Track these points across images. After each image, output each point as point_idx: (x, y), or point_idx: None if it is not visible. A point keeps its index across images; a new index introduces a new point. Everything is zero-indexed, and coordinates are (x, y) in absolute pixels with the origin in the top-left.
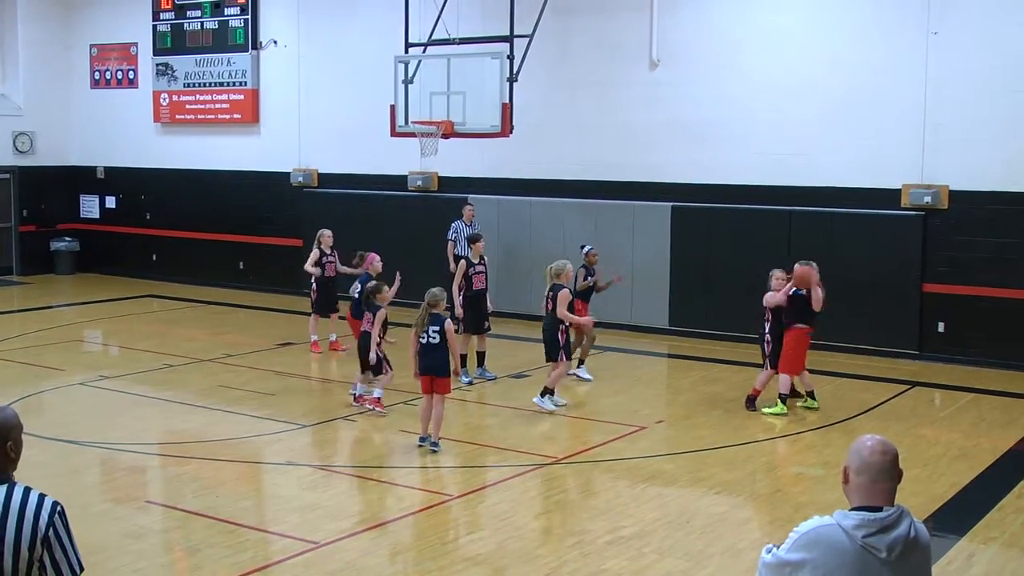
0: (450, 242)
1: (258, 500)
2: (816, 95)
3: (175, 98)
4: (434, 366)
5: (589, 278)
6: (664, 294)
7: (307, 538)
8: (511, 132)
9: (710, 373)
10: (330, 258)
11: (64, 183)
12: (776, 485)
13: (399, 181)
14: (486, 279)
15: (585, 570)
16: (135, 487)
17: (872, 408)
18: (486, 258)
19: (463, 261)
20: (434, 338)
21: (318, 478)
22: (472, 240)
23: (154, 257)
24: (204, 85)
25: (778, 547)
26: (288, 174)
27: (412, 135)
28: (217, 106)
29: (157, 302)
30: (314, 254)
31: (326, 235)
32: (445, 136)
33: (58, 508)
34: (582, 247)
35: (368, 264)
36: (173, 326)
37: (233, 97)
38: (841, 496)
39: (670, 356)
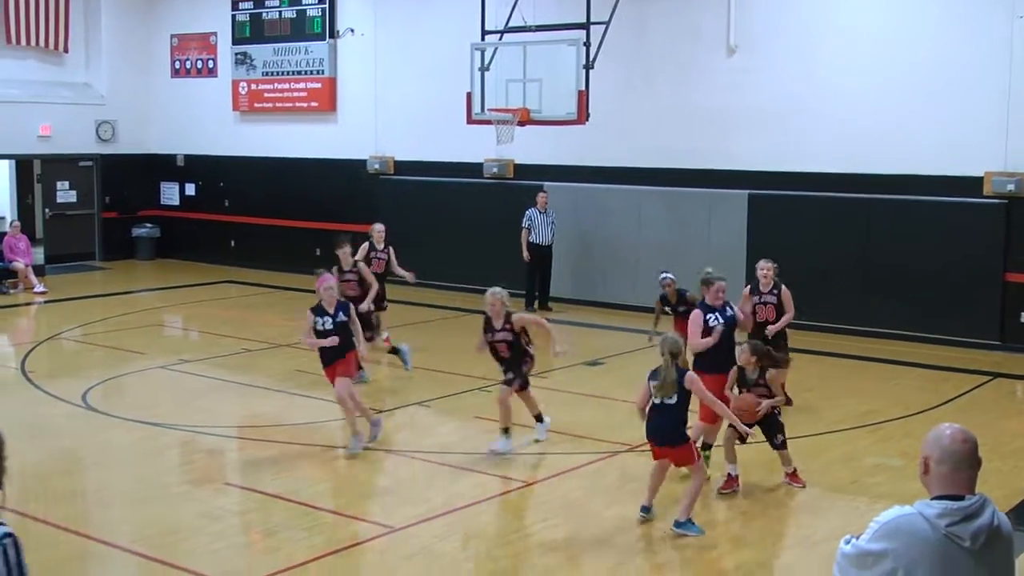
0: (524, 229)
1: (334, 484)
2: (897, 81)
3: (253, 87)
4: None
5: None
6: (740, 283)
7: (383, 522)
8: (587, 119)
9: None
10: (380, 254)
11: (145, 171)
12: (853, 476)
13: (475, 168)
14: None
15: (658, 558)
16: (214, 469)
17: (952, 399)
18: None
19: None
20: (671, 399)
21: (393, 462)
22: None
23: (232, 243)
24: (282, 74)
25: (858, 537)
26: (365, 161)
27: (488, 123)
28: (295, 94)
29: (235, 288)
30: (363, 248)
31: (377, 230)
32: (521, 124)
33: (8, 540)
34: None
35: (320, 286)
36: (251, 311)
37: (311, 85)
38: (920, 488)
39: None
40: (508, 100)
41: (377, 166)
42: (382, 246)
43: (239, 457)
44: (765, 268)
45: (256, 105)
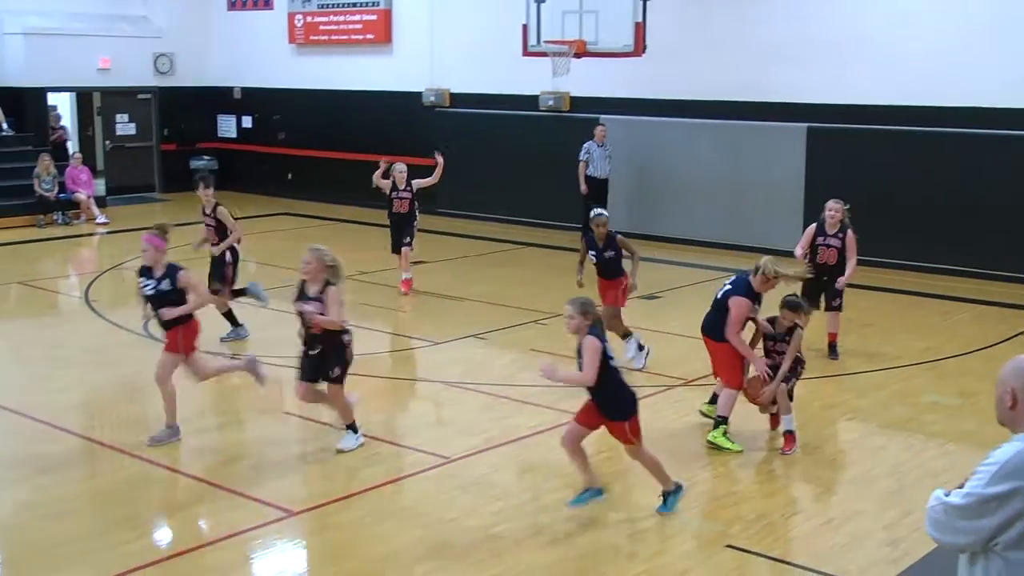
0: (582, 162)
1: (391, 415)
2: (961, 9)
3: (309, 19)
4: None
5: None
6: (798, 218)
7: (439, 452)
8: (644, 51)
9: (843, 299)
10: (403, 193)
11: (202, 103)
12: (910, 413)
13: (531, 101)
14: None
15: (715, 491)
16: (274, 398)
17: (1013, 337)
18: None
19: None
20: None
21: (450, 394)
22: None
23: (289, 176)
24: (337, 6)
25: (961, 487)
26: (420, 94)
27: (544, 55)
28: (350, 27)
29: (291, 219)
30: (386, 185)
31: (399, 169)
32: (577, 56)
33: None
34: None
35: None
36: (306, 243)
37: (366, 17)
38: (977, 426)
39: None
40: (564, 32)
41: (432, 98)
42: (404, 185)
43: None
44: (834, 209)
45: (312, 37)
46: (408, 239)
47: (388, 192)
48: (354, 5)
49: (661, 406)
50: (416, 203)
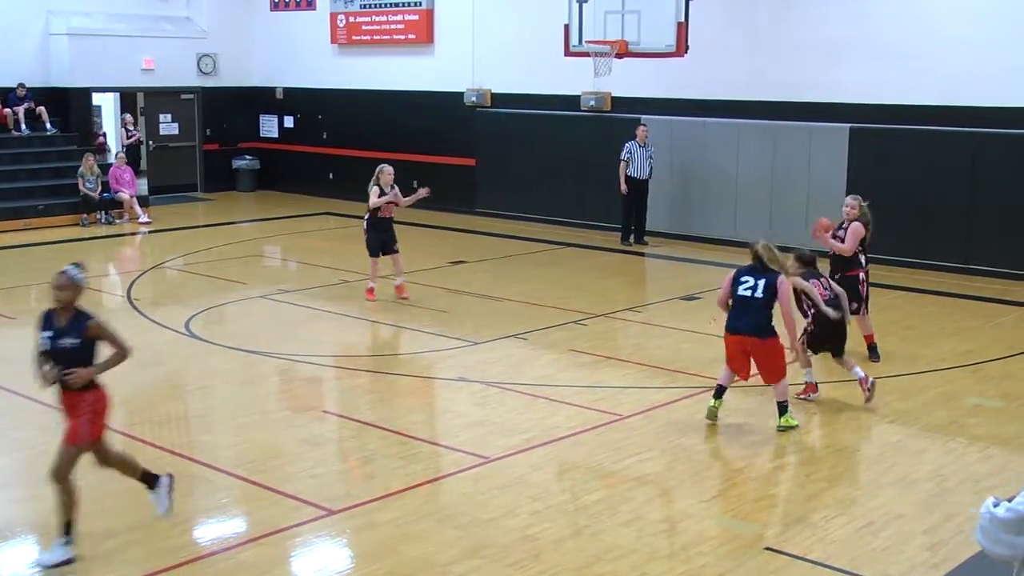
0: (623, 162)
1: (430, 414)
2: (1006, 9)
3: (351, 19)
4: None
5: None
6: (840, 219)
7: (478, 452)
8: (686, 52)
9: (884, 299)
10: (389, 196)
11: (245, 103)
12: (952, 416)
13: (572, 101)
14: None
15: (753, 494)
16: (312, 397)
17: None
18: None
19: None
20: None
21: (489, 394)
22: None
23: (331, 176)
24: (380, 6)
25: (1011, 500)
26: (462, 94)
27: (586, 55)
28: (392, 27)
29: (333, 219)
30: (375, 190)
31: (386, 171)
32: (619, 56)
33: None
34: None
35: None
36: (349, 243)
37: (408, 17)
38: (1021, 429)
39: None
40: (606, 32)
41: (474, 98)
42: (391, 189)
43: (336, 385)
44: (848, 205)
45: (354, 38)
46: (396, 245)
47: (380, 195)
48: (396, 5)
49: (700, 407)
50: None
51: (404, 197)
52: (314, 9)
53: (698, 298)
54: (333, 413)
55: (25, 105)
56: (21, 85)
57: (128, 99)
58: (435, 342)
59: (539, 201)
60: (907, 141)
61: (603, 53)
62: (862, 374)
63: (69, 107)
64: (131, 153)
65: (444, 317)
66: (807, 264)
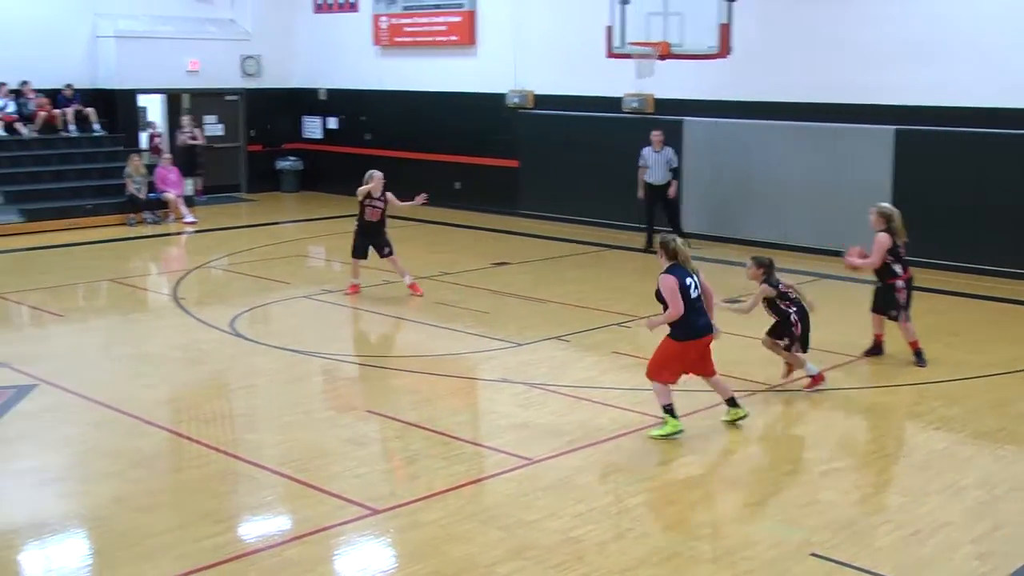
0: (640, 168)
1: (473, 415)
2: None
3: (394, 21)
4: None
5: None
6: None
7: (521, 454)
8: (729, 53)
9: (931, 304)
10: (377, 202)
11: (288, 104)
12: (1000, 423)
13: (614, 103)
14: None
15: (798, 500)
16: (356, 396)
17: None
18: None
19: None
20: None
21: (532, 396)
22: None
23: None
24: (422, 8)
25: None
26: (504, 95)
27: (628, 56)
28: (434, 28)
29: None
30: (363, 189)
31: (377, 177)
32: (662, 57)
33: None
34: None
35: None
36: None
37: (450, 19)
38: None
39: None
40: (649, 34)
41: (516, 100)
42: (379, 194)
43: (379, 386)
44: (870, 215)
45: (396, 39)
46: (388, 247)
47: (362, 199)
48: (438, 7)
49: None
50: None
51: (402, 202)
52: (357, 11)
53: (740, 301)
54: (377, 413)
55: (73, 106)
56: (69, 86)
57: (173, 100)
58: (478, 343)
59: (582, 203)
60: (954, 143)
61: (645, 55)
62: (811, 368)
63: (116, 108)
64: (188, 155)
65: (487, 318)
66: (765, 268)
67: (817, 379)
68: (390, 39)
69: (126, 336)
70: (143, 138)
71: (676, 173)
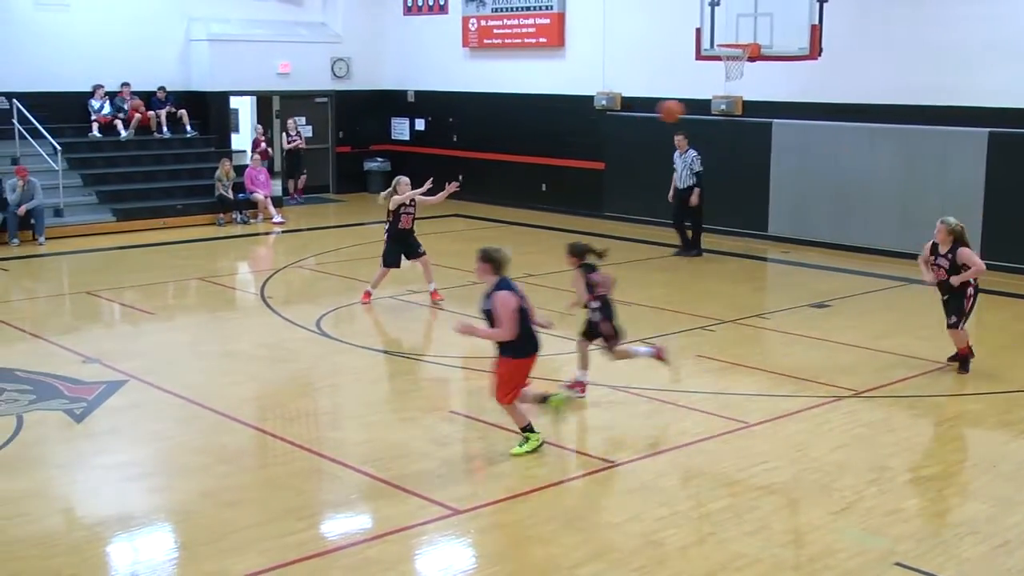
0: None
1: (556, 417)
2: None
3: (483, 23)
4: None
5: None
6: (976, 227)
7: (603, 456)
8: (820, 55)
9: (1020, 310)
10: (410, 208)
11: (377, 106)
12: None
13: (703, 105)
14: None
15: (883, 507)
16: (440, 397)
17: None
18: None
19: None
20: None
21: (615, 398)
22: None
23: (460, 178)
24: (511, 10)
25: None
26: (592, 97)
27: (717, 58)
28: (523, 30)
29: (462, 221)
30: (393, 201)
31: (403, 183)
32: (751, 59)
33: None
34: None
35: None
36: (477, 244)
37: (539, 21)
38: None
39: (980, 292)
40: (738, 35)
41: (604, 102)
42: (410, 202)
43: (463, 386)
44: (937, 229)
45: (485, 41)
46: (421, 247)
47: (395, 207)
48: (527, 9)
49: (829, 417)
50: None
51: (431, 196)
52: (446, 13)
53: (828, 306)
54: (460, 413)
55: (166, 108)
56: (162, 89)
57: (264, 103)
58: (561, 345)
59: (668, 206)
60: None
61: (735, 56)
62: (645, 351)
63: (208, 110)
64: (292, 158)
65: (571, 320)
66: (580, 255)
67: (579, 385)
68: (479, 41)
69: (214, 334)
70: (235, 140)
71: (699, 178)
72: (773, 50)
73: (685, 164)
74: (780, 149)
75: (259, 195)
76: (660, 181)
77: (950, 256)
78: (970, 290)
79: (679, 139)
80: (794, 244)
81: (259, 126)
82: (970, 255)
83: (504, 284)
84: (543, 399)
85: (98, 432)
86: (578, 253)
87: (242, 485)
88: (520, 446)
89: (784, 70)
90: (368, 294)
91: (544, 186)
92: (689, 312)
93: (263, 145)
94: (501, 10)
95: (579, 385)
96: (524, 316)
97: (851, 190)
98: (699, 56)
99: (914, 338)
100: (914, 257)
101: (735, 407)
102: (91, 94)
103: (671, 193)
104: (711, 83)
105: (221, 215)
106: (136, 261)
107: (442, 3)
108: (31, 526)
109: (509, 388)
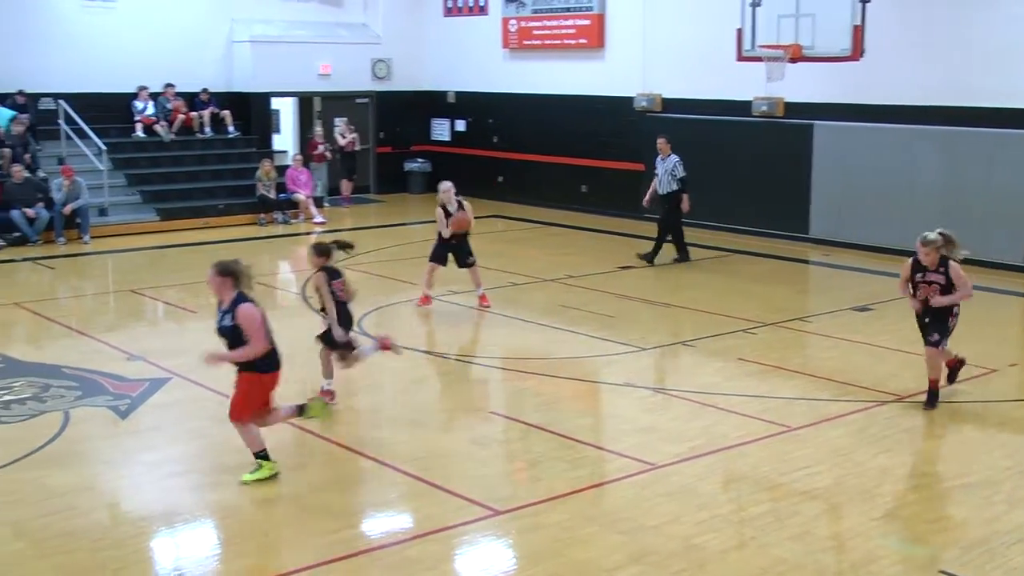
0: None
1: (596, 419)
2: None
3: (523, 24)
4: None
5: None
6: (1021, 230)
7: (644, 459)
8: (862, 56)
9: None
10: (459, 213)
11: (417, 107)
12: None
13: (743, 107)
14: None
15: (927, 514)
16: (480, 398)
17: None
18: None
19: None
20: None
21: (656, 400)
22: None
23: (500, 179)
24: (551, 11)
25: None
26: (632, 99)
27: (759, 59)
28: (563, 31)
29: (502, 222)
30: (439, 212)
31: (442, 189)
32: (792, 60)
33: None
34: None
35: None
36: (517, 246)
37: (579, 22)
38: None
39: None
40: (779, 36)
41: (644, 103)
42: (455, 206)
43: (503, 387)
44: (920, 250)
45: (525, 42)
46: (471, 259)
47: (443, 219)
48: (568, 10)
49: (871, 421)
50: None
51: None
52: (486, 14)
53: (871, 309)
54: (500, 414)
55: (209, 109)
56: (205, 90)
57: (305, 104)
58: (602, 347)
59: (708, 207)
60: None
61: (776, 57)
62: (370, 348)
63: (249, 111)
64: (347, 160)
65: (611, 322)
66: (325, 256)
67: (326, 395)
68: (519, 42)
69: None
70: (276, 141)
71: (684, 183)
72: (815, 51)
73: (666, 169)
74: (821, 151)
75: (300, 195)
76: (701, 183)
77: (943, 271)
78: (956, 308)
79: (661, 143)
80: (835, 247)
81: (318, 129)
82: (960, 273)
83: (243, 298)
84: (299, 410)
85: (142, 428)
86: (323, 253)
87: (283, 483)
88: (252, 473)
89: (826, 71)
90: (427, 298)
91: (584, 187)
92: (730, 315)
93: (320, 147)
94: (541, 11)
95: (327, 394)
96: (268, 331)
97: (893, 192)
98: (740, 57)
99: (958, 342)
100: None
101: (776, 411)
102: (135, 95)
103: (647, 199)
104: (752, 84)
105: (262, 215)
106: (179, 260)
107: (482, 4)
108: (78, 520)
109: (248, 405)
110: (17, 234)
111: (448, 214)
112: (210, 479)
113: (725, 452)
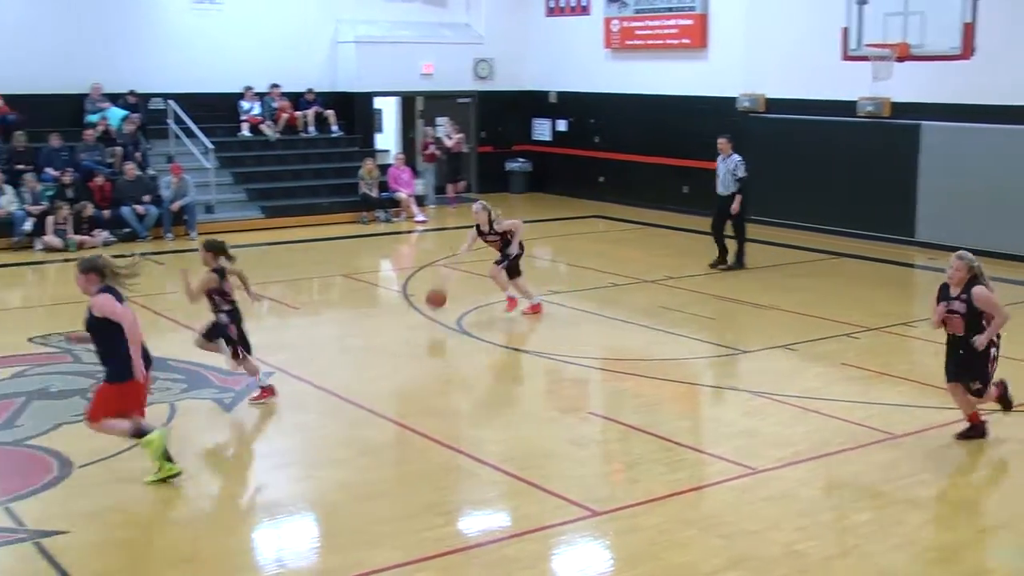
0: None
1: (696, 421)
2: None
3: (625, 24)
4: None
5: None
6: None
7: (744, 463)
8: (973, 54)
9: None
10: (490, 236)
11: (519, 107)
12: None
13: (848, 107)
14: None
15: None
16: (579, 398)
17: None
18: None
19: None
20: None
21: (756, 404)
22: None
23: (601, 179)
24: (654, 11)
25: None
26: (735, 99)
27: (865, 59)
28: (666, 31)
29: (603, 223)
30: (471, 235)
31: (475, 210)
32: (900, 59)
33: None
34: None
35: None
36: (617, 246)
37: (682, 22)
38: None
39: None
40: (886, 34)
41: (747, 104)
42: (488, 228)
43: (602, 388)
44: (953, 267)
45: (627, 42)
46: (517, 274)
47: (480, 237)
48: (670, 10)
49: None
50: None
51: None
52: (588, 14)
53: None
54: (598, 415)
55: (313, 109)
56: (310, 90)
57: (407, 103)
58: (702, 349)
59: (815, 209)
60: None
61: (883, 56)
62: (263, 382)
63: (353, 111)
64: (452, 160)
65: (712, 324)
66: (216, 253)
67: (266, 392)
68: (621, 42)
69: (357, 330)
70: (379, 140)
71: (743, 184)
72: (923, 49)
73: (728, 169)
74: (929, 152)
75: (402, 194)
76: (805, 184)
77: (964, 297)
78: (994, 351)
79: (722, 142)
80: (943, 251)
81: (428, 128)
82: (989, 298)
83: (104, 290)
84: (141, 434)
85: (246, 421)
86: (214, 249)
87: (382, 479)
88: (153, 475)
89: (934, 70)
90: (536, 306)
91: (686, 188)
92: (833, 319)
93: (431, 148)
94: (643, 11)
95: (267, 392)
96: (122, 337)
97: (1005, 196)
98: (845, 56)
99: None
100: None
101: (880, 417)
102: (241, 95)
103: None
104: (858, 84)
105: (364, 213)
106: (283, 257)
107: (584, 4)
108: (183, 508)
109: (103, 410)
110: (127, 230)
111: (481, 233)
112: (311, 472)
113: (827, 458)
